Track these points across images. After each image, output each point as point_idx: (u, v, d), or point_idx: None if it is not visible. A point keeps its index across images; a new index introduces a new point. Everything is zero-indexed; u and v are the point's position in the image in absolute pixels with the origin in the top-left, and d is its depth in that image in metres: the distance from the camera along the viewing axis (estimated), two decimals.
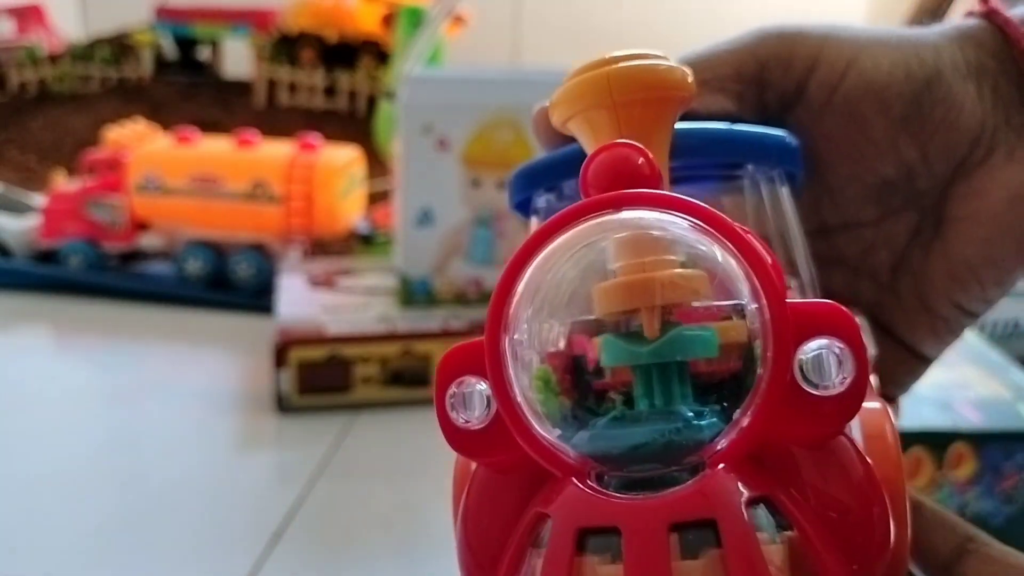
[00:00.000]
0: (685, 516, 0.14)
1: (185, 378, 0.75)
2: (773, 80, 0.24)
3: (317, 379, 0.68)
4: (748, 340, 0.16)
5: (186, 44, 1.74)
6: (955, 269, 0.24)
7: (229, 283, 0.93)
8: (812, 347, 0.15)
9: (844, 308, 0.15)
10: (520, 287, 0.16)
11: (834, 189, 0.24)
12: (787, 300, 0.15)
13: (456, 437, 0.17)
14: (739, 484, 0.15)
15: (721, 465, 0.15)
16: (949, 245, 0.24)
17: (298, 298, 0.77)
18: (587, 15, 1.81)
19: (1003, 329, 0.72)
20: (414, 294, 0.76)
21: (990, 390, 0.48)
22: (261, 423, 0.67)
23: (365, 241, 1.00)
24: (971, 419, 0.45)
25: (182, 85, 1.67)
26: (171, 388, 0.74)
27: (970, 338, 0.58)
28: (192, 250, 0.93)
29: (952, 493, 0.49)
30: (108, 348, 0.83)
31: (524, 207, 0.23)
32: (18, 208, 1.01)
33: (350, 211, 0.97)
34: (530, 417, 0.16)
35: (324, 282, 0.82)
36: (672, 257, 0.16)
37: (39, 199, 1.03)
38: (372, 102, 1.47)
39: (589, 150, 0.18)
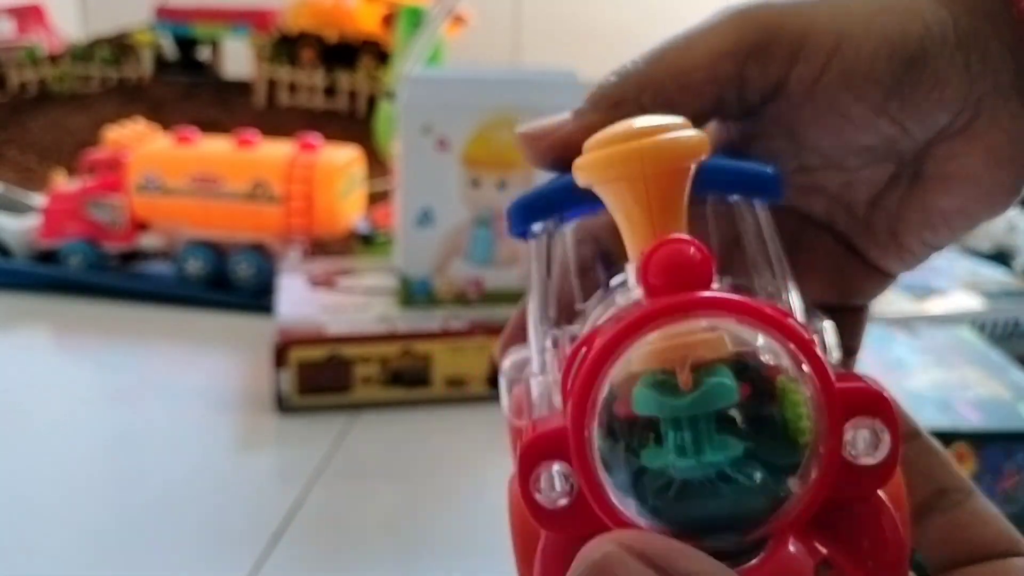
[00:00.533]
0: None
1: (185, 378, 0.75)
2: (751, 78, 0.23)
3: (317, 379, 0.68)
4: (752, 365, 0.17)
5: (186, 44, 1.74)
6: (929, 216, 0.25)
7: (229, 283, 0.93)
8: (854, 424, 0.17)
9: (881, 390, 0.17)
10: (604, 381, 0.17)
11: (814, 150, 0.25)
12: (834, 381, 0.17)
13: (541, 516, 0.18)
14: (809, 551, 0.17)
15: (791, 541, 0.17)
16: (926, 196, 0.25)
17: (298, 298, 0.77)
18: (587, 15, 1.81)
19: (1003, 329, 0.72)
20: (414, 294, 0.76)
21: (990, 390, 0.48)
22: (261, 423, 0.67)
23: (365, 241, 1.00)
24: (971, 419, 0.45)
25: (182, 85, 1.67)
26: (171, 388, 0.74)
27: (970, 338, 0.58)
28: (192, 250, 0.93)
29: None
30: (108, 348, 0.83)
31: (525, 236, 0.24)
32: (18, 208, 1.01)
33: (350, 211, 0.97)
34: (612, 495, 0.17)
35: (324, 282, 0.82)
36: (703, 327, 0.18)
37: (39, 199, 1.03)
38: (372, 102, 1.47)
39: (616, 215, 0.20)
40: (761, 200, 0.23)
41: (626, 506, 0.17)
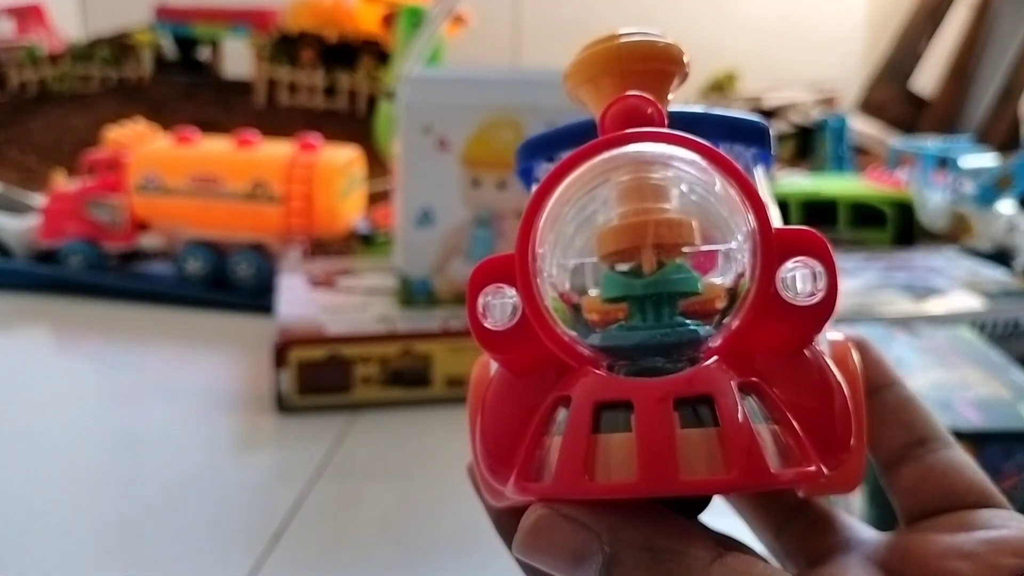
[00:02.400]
0: (686, 392, 0.17)
1: (185, 378, 0.76)
2: None
3: (317, 379, 0.68)
4: (733, 286, 0.18)
5: (186, 44, 1.74)
6: None
7: (229, 283, 0.93)
8: (791, 265, 0.18)
9: (819, 234, 0.18)
10: (547, 209, 0.19)
11: None
12: (770, 221, 0.18)
13: (484, 336, 0.19)
14: (734, 370, 0.18)
15: (714, 358, 0.18)
16: None
17: (298, 298, 0.77)
18: (587, 16, 1.81)
19: (1003, 329, 0.72)
20: (414, 294, 0.76)
21: (990, 390, 0.48)
22: (261, 423, 0.67)
23: (365, 241, 1.00)
24: (971, 419, 0.45)
25: (182, 85, 1.67)
26: (171, 388, 0.74)
27: (970, 338, 0.58)
28: (192, 250, 0.93)
29: None
30: (108, 348, 0.83)
31: (527, 176, 0.24)
32: (18, 208, 1.01)
33: (350, 211, 0.97)
34: (553, 317, 0.19)
35: (324, 282, 0.82)
36: (666, 206, 0.18)
37: (39, 199, 1.03)
38: (372, 102, 1.47)
39: (596, 113, 0.21)
40: (751, 150, 0.23)
41: (566, 332, 0.19)
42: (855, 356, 0.22)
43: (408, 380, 0.70)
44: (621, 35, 0.21)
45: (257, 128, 1.02)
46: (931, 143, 1.15)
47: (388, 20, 1.40)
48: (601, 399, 0.18)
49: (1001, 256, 0.94)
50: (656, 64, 0.21)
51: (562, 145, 0.23)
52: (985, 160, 1.06)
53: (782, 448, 0.17)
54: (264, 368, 0.69)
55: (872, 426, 0.23)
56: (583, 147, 0.19)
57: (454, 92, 0.74)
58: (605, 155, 0.19)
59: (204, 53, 1.76)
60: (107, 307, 0.91)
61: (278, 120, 1.49)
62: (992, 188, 1.00)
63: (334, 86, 1.55)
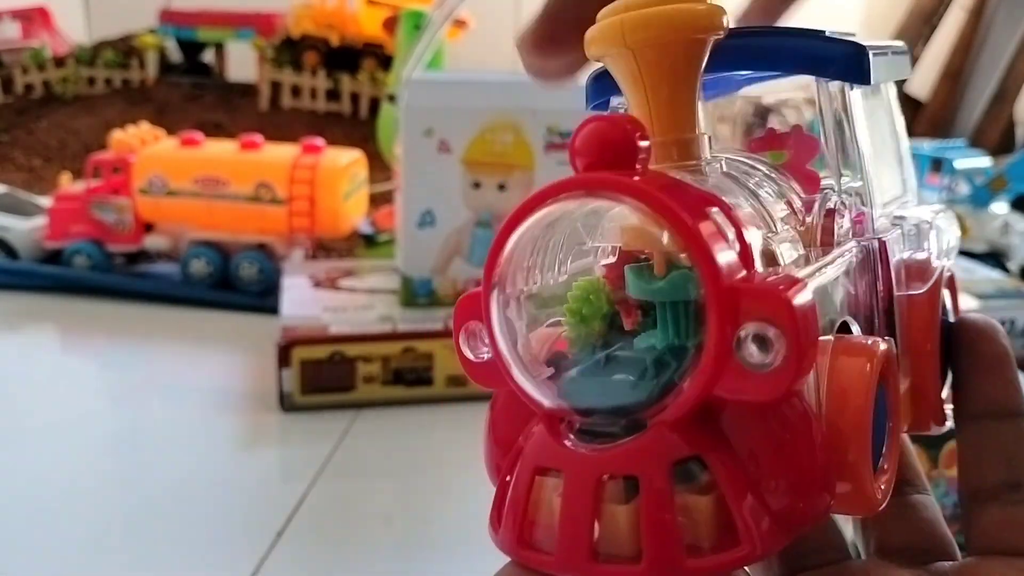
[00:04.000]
0: (614, 470, 0.17)
1: (189, 377, 0.76)
2: None
3: (320, 378, 0.69)
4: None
5: (190, 47, 1.75)
6: None
7: (233, 283, 0.93)
8: (748, 329, 0.16)
9: (782, 292, 0.16)
10: (508, 249, 0.18)
11: None
12: (737, 278, 0.16)
13: (468, 367, 0.19)
14: (671, 444, 0.17)
15: (658, 423, 0.17)
16: None
17: (301, 298, 0.78)
18: None
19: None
20: (416, 294, 0.77)
21: None
22: (265, 422, 0.68)
23: (367, 242, 1.01)
24: None
25: (186, 88, 1.68)
26: (176, 387, 0.74)
27: None
28: (197, 251, 0.94)
29: (948, 491, 0.50)
30: (113, 348, 0.84)
31: (601, 108, 0.23)
32: (24, 210, 1.02)
33: (353, 212, 0.98)
34: (512, 364, 0.18)
35: (327, 282, 0.82)
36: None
37: (45, 201, 1.04)
38: (374, 105, 1.48)
39: (622, 89, 0.20)
40: (839, 81, 0.21)
41: (529, 378, 0.18)
42: (869, 371, 0.19)
43: (410, 379, 0.70)
44: (633, 3, 0.19)
45: (261, 131, 1.03)
46: (926, 145, 1.16)
47: (390, 24, 1.41)
48: (540, 464, 0.17)
49: (995, 257, 0.94)
50: (668, 35, 0.19)
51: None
52: (979, 162, 1.07)
53: (721, 522, 0.16)
54: (268, 367, 0.70)
55: (974, 447, 0.23)
56: (541, 192, 0.17)
57: (455, 95, 0.75)
58: (559, 205, 0.17)
59: (208, 56, 1.77)
60: (112, 307, 0.92)
61: (281, 123, 1.50)
62: (986, 189, 1.01)
63: (337, 89, 1.56)
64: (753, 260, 0.17)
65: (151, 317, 0.90)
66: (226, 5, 1.67)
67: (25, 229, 0.99)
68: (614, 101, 0.23)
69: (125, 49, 1.70)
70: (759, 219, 0.19)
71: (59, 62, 1.67)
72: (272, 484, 0.60)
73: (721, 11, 0.19)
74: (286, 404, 0.68)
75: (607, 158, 0.17)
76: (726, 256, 0.16)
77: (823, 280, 0.19)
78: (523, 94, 0.74)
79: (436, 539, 0.53)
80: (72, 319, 0.90)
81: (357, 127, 1.47)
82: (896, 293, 0.22)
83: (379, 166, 1.09)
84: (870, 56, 0.21)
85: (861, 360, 0.18)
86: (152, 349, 0.83)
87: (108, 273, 0.96)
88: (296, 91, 1.57)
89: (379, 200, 1.08)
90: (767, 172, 0.22)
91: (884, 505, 0.19)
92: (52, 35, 1.75)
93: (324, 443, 0.64)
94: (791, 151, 0.21)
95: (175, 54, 1.75)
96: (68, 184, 1.04)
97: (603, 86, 0.22)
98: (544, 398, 0.18)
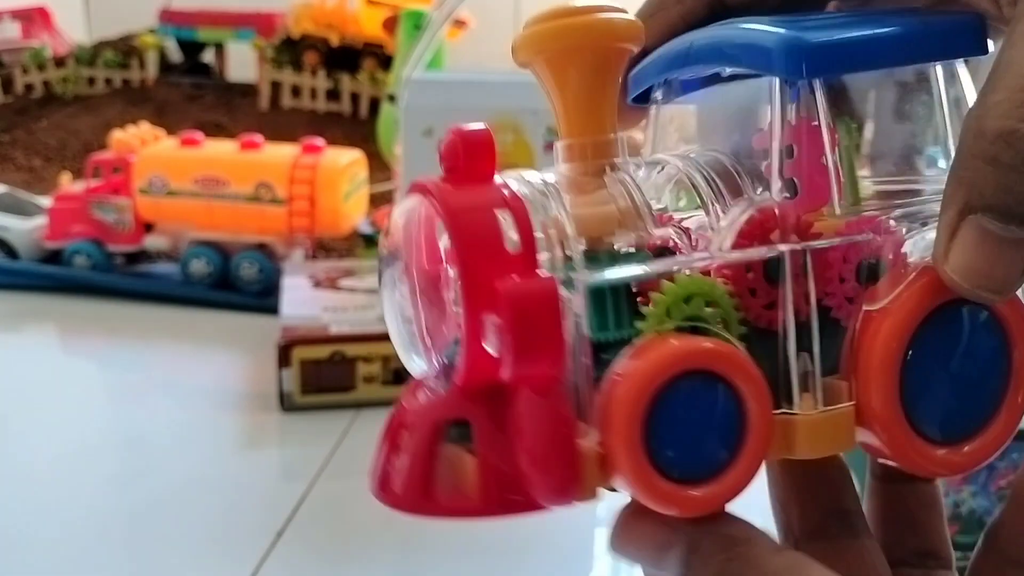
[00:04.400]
0: (407, 421, 0.20)
1: (190, 377, 0.76)
2: None
3: (320, 378, 0.69)
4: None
5: (190, 47, 1.75)
6: None
7: (233, 283, 0.94)
8: (488, 319, 0.18)
9: (503, 287, 0.18)
10: (394, 229, 0.21)
11: None
12: (493, 274, 0.18)
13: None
14: (444, 406, 0.20)
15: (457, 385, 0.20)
16: None
17: (301, 298, 0.78)
18: None
19: None
20: None
21: None
22: (265, 422, 0.68)
23: (368, 242, 1.01)
24: None
25: (186, 88, 1.68)
26: (176, 387, 0.75)
27: None
28: (197, 251, 0.94)
29: (947, 491, 0.50)
30: (114, 348, 0.84)
31: (644, 100, 0.25)
32: (24, 209, 1.02)
33: (353, 212, 0.98)
34: (395, 336, 0.22)
35: (327, 282, 0.82)
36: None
37: (45, 200, 1.04)
38: (374, 105, 1.48)
39: (545, 92, 0.22)
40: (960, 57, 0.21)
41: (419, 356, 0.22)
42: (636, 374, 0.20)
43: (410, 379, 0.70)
44: (545, 16, 0.21)
45: (261, 131, 1.03)
46: None
47: (390, 23, 1.41)
48: (397, 420, 0.21)
49: None
50: (583, 42, 0.21)
51: (664, 69, 0.23)
52: None
53: (480, 479, 0.19)
54: (268, 367, 0.70)
55: (881, 510, 0.24)
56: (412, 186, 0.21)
57: (455, 95, 0.75)
58: (410, 200, 0.21)
59: (208, 56, 1.77)
60: (112, 307, 0.92)
61: (281, 123, 1.50)
62: None
63: (337, 89, 1.56)
64: (533, 259, 0.19)
65: (151, 317, 0.90)
66: (226, 5, 1.67)
67: (25, 229, 0.99)
68: (656, 91, 0.24)
69: (125, 49, 1.70)
70: (633, 217, 0.20)
71: (59, 62, 1.67)
72: (272, 484, 0.60)
73: (637, 24, 0.21)
74: (286, 404, 0.68)
75: (459, 163, 0.21)
76: (485, 255, 0.19)
77: (623, 275, 0.20)
78: (523, 94, 0.74)
79: (436, 539, 0.53)
80: (72, 319, 0.90)
81: (357, 127, 1.47)
82: (865, 308, 0.20)
83: (379, 166, 1.10)
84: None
85: (637, 363, 0.19)
86: (152, 349, 0.83)
87: (108, 273, 0.96)
88: (296, 91, 1.57)
89: (379, 200, 1.08)
90: (708, 175, 0.22)
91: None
92: (52, 35, 1.75)
93: (324, 443, 0.64)
94: (800, 145, 0.20)
95: (175, 54, 1.75)
96: (68, 184, 1.04)
97: (639, 80, 0.24)
98: (414, 365, 0.21)
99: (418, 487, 0.20)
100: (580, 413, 0.19)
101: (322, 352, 0.69)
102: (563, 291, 0.19)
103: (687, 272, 0.20)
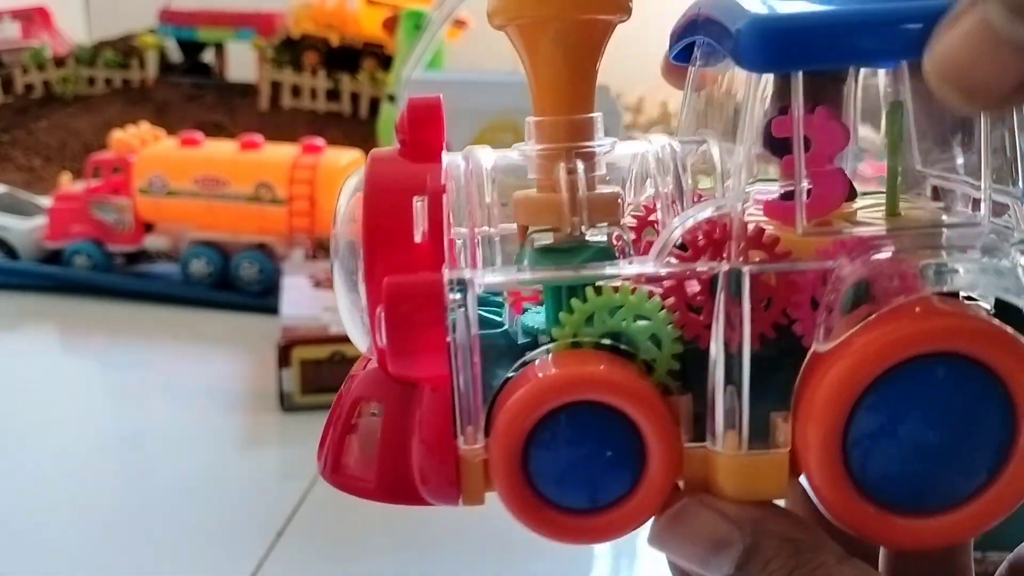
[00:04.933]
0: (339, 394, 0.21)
1: (190, 377, 0.76)
2: None
3: (320, 378, 0.69)
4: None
5: (190, 47, 1.75)
6: None
7: (233, 283, 0.94)
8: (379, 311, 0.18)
9: (387, 281, 0.18)
10: (341, 207, 0.21)
11: None
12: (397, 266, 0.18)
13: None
14: (360, 386, 0.20)
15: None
16: None
17: (301, 298, 0.78)
18: None
19: None
20: None
21: None
22: (265, 421, 0.68)
23: None
24: None
25: (186, 88, 1.68)
26: (176, 387, 0.75)
27: None
28: (197, 251, 0.94)
29: None
30: (113, 348, 0.84)
31: (684, 57, 0.23)
32: (24, 210, 1.02)
33: None
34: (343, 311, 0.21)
35: (327, 282, 0.82)
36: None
37: (45, 201, 1.04)
38: (374, 105, 1.48)
39: (521, 61, 0.21)
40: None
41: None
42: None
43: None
44: None
45: (261, 131, 1.03)
46: None
47: (390, 24, 1.41)
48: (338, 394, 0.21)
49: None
50: (566, 11, 0.19)
51: (685, 32, 0.21)
52: None
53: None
54: (268, 367, 0.70)
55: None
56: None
57: (455, 95, 0.74)
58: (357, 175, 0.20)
59: (208, 56, 1.77)
60: (112, 307, 0.92)
61: (281, 123, 1.50)
62: None
63: (337, 89, 1.56)
64: (439, 252, 0.18)
65: (151, 317, 0.90)
66: (226, 5, 1.67)
67: (25, 229, 0.99)
68: (699, 47, 0.22)
69: (125, 49, 1.70)
70: (565, 212, 0.19)
71: (59, 62, 1.67)
72: (272, 483, 0.60)
73: None
74: (286, 404, 0.68)
75: (409, 136, 0.20)
76: (389, 243, 0.18)
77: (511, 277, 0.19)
78: (524, 94, 0.74)
79: (436, 539, 0.53)
80: (72, 319, 0.90)
81: (357, 127, 1.47)
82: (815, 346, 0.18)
83: None
84: None
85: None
86: (152, 349, 0.83)
87: (108, 273, 0.96)
88: (296, 91, 1.57)
89: None
90: (678, 168, 0.20)
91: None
92: (52, 35, 1.75)
93: None
94: (815, 138, 0.18)
95: (175, 54, 1.75)
96: (68, 184, 1.04)
97: (685, 35, 0.22)
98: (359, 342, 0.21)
99: (332, 459, 0.20)
100: (469, 417, 0.18)
101: (322, 352, 0.69)
102: (455, 293, 0.18)
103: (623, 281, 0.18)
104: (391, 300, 0.18)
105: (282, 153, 0.96)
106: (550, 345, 0.19)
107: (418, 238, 0.18)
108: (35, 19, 1.74)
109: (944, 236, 0.18)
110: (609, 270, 0.18)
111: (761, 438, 0.18)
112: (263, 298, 0.90)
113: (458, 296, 0.18)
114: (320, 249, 1.00)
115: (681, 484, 0.19)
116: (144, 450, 0.65)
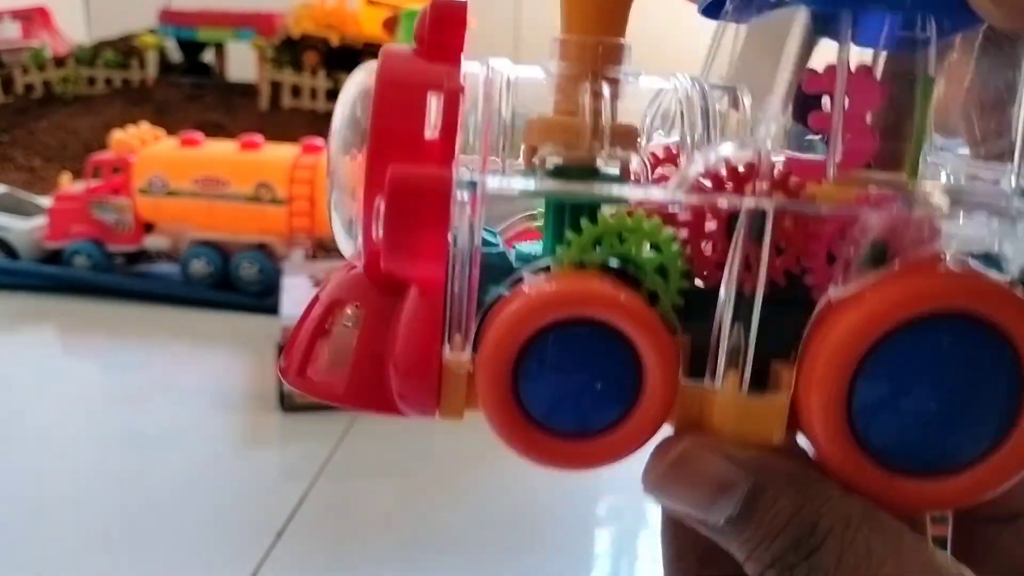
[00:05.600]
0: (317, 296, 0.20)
1: (190, 377, 0.76)
2: None
3: None
4: None
5: (190, 47, 1.75)
6: None
7: (233, 283, 0.94)
8: (377, 204, 0.18)
9: (391, 172, 0.17)
10: (339, 115, 0.20)
11: None
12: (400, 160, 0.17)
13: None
14: (339, 288, 0.19)
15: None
16: None
17: (301, 298, 0.77)
18: None
19: None
20: None
21: None
22: (265, 422, 0.68)
23: None
24: None
25: (186, 88, 1.68)
26: (176, 387, 0.75)
27: None
28: (197, 251, 0.94)
29: None
30: (114, 348, 0.84)
31: (713, 10, 0.22)
32: (24, 210, 1.02)
33: None
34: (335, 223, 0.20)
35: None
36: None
37: (45, 201, 1.04)
38: None
39: None
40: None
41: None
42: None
43: None
44: None
45: (261, 131, 1.03)
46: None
47: (390, 23, 1.41)
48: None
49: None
50: None
51: None
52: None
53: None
54: (268, 367, 0.70)
55: None
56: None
57: None
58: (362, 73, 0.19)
59: (208, 56, 1.77)
60: (113, 307, 0.92)
61: (281, 123, 1.50)
62: None
63: (337, 89, 1.56)
64: (450, 152, 0.17)
65: (151, 317, 0.90)
66: (226, 5, 1.67)
67: (25, 229, 0.99)
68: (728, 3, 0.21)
69: (125, 49, 1.70)
70: (585, 134, 0.18)
71: (59, 62, 1.68)
72: (272, 483, 0.61)
73: None
74: (286, 404, 0.68)
75: (425, 35, 0.18)
76: (397, 134, 0.17)
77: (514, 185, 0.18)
78: (523, 94, 0.74)
79: (436, 539, 0.53)
80: (72, 319, 0.91)
81: None
82: (830, 293, 0.18)
83: None
84: None
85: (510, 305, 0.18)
86: (152, 349, 0.83)
87: (108, 273, 0.96)
88: (296, 91, 1.57)
89: None
90: (706, 108, 0.19)
91: None
92: (52, 35, 1.75)
93: (324, 443, 0.64)
94: (851, 96, 0.17)
95: (175, 54, 1.75)
96: (68, 184, 1.04)
97: None
98: (346, 245, 0.20)
99: (299, 362, 0.19)
100: (460, 324, 0.18)
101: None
102: (462, 193, 0.17)
103: (641, 208, 0.17)
104: (394, 190, 0.17)
105: (282, 153, 0.96)
106: (549, 261, 0.18)
107: (429, 134, 0.17)
108: (35, 19, 1.74)
109: (968, 195, 0.18)
110: (628, 192, 0.18)
111: (761, 385, 0.18)
112: (263, 298, 0.90)
113: (465, 195, 0.17)
114: (320, 249, 1.01)
115: (670, 427, 0.18)
116: (143, 450, 0.65)
